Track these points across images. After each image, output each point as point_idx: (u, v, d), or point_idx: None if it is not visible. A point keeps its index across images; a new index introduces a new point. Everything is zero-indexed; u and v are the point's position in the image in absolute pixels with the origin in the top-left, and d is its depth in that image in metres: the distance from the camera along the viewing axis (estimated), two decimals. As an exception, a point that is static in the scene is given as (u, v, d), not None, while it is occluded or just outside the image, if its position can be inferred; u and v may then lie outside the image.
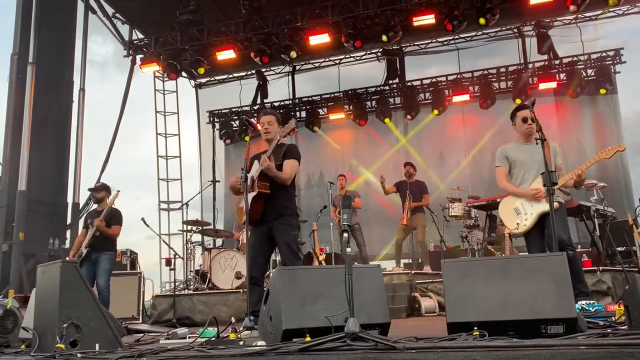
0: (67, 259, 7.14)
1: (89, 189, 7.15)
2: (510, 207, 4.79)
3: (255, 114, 12.53)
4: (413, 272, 7.84)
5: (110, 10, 11.48)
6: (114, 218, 6.66)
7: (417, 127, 12.56)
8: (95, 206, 7.01)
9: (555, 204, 4.35)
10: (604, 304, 4.26)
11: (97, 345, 3.23)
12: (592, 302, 4.01)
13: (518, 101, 11.08)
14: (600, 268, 6.31)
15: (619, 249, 7.02)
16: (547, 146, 4.56)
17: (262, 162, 4.30)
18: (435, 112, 12.04)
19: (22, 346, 3.84)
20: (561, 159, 4.81)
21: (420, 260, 9.08)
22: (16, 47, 10.16)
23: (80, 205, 10.81)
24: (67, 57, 11.07)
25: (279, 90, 13.52)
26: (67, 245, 10.29)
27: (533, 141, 4.41)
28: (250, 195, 4.36)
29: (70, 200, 10.73)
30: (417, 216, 8.68)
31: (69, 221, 10.63)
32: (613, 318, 3.40)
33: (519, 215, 4.70)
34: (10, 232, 9.43)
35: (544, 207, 4.45)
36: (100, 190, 6.81)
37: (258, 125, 4.65)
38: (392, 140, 12.73)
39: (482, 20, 9.46)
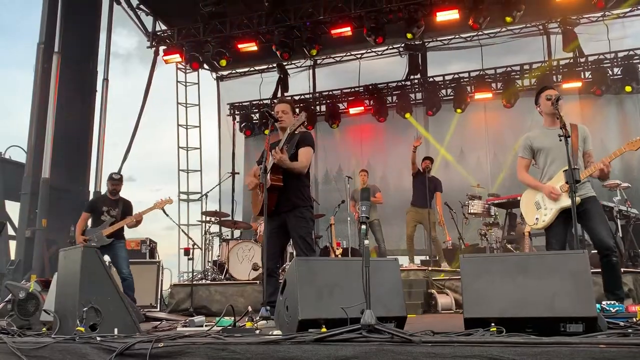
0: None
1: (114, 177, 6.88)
2: (531, 201, 4.47)
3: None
4: (430, 268, 7.79)
5: (134, 2, 11.61)
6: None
7: (440, 125, 12.45)
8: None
9: (578, 200, 4.16)
10: (625, 305, 4.18)
11: (115, 330, 3.28)
12: (612, 302, 3.94)
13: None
14: (622, 269, 6.20)
15: (642, 251, 6.92)
16: (575, 130, 4.27)
17: (274, 155, 4.18)
18: (459, 110, 11.93)
19: (44, 329, 3.93)
20: (592, 144, 4.46)
21: (437, 258, 9.00)
22: (42, 36, 10.31)
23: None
24: (91, 47, 11.22)
25: (299, 83, 13.55)
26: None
27: (558, 124, 4.11)
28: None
29: (92, 189, 10.90)
30: (425, 212, 8.53)
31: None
32: (634, 319, 3.34)
33: (538, 210, 4.39)
34: (34, 219, 9.61)
35: (566, 202, 4.15)
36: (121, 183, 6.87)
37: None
38: (411, 136, 12.62)
39: (508, 19, 9.35)
